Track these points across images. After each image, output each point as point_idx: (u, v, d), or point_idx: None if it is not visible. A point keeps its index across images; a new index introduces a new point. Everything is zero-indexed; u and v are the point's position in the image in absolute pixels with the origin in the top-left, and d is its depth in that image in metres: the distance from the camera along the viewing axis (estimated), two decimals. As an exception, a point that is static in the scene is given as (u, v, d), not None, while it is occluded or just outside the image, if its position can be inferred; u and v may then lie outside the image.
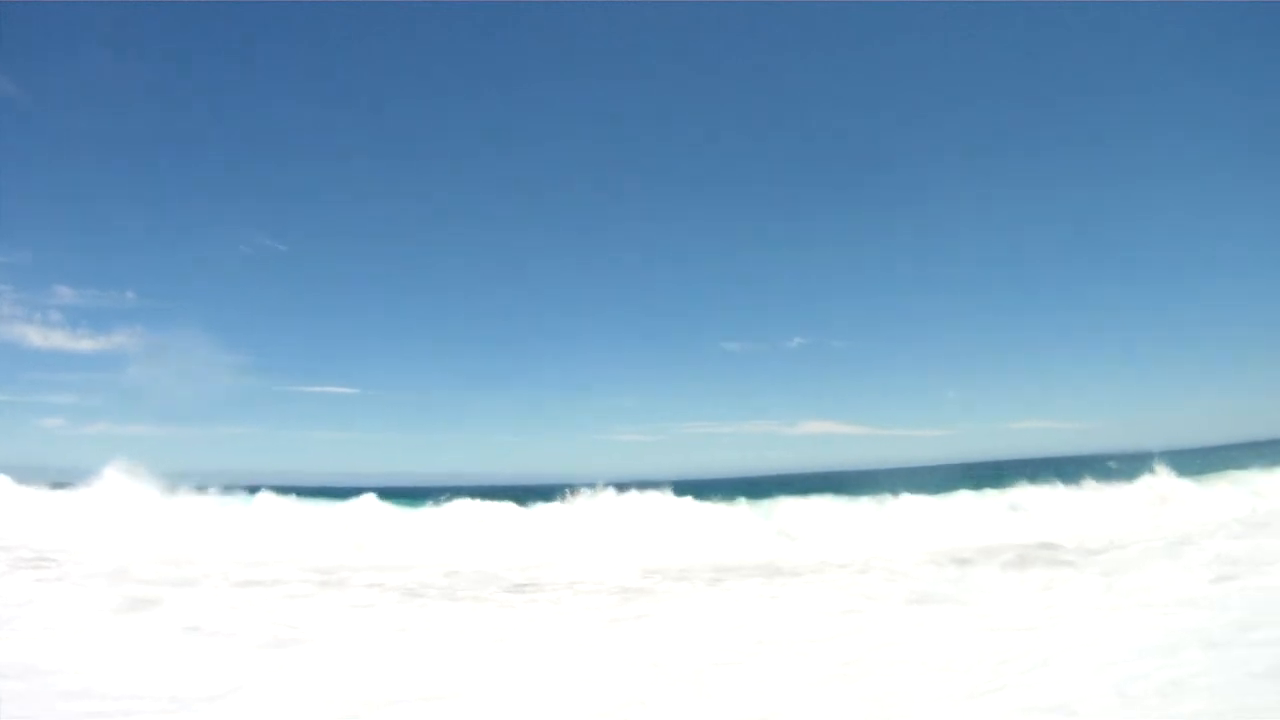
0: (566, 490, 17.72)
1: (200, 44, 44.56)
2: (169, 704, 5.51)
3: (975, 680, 5.64)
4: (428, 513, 17.62)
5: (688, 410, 49.75)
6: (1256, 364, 41.25)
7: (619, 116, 47.86)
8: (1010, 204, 46.57)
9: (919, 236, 47.42)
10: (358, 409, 46.46)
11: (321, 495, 18.05)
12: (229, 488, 19.33)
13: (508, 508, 17.56)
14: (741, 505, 16.98)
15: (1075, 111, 46.20)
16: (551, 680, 6.24)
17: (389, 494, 18.25)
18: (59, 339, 39.79)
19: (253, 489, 18.65)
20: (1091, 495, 17.71)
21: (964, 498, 16.84)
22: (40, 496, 20.59)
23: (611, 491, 17.60)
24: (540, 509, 17.45)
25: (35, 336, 39.92)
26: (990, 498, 17.04)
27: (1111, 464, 19.61)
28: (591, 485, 17.65)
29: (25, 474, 21.29)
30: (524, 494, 17.88)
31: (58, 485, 20.89)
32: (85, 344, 40.25)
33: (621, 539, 15.81)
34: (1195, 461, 19.54)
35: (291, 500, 18.14)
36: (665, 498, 17.12)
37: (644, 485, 17.55)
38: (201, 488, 19.63)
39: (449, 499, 18.04)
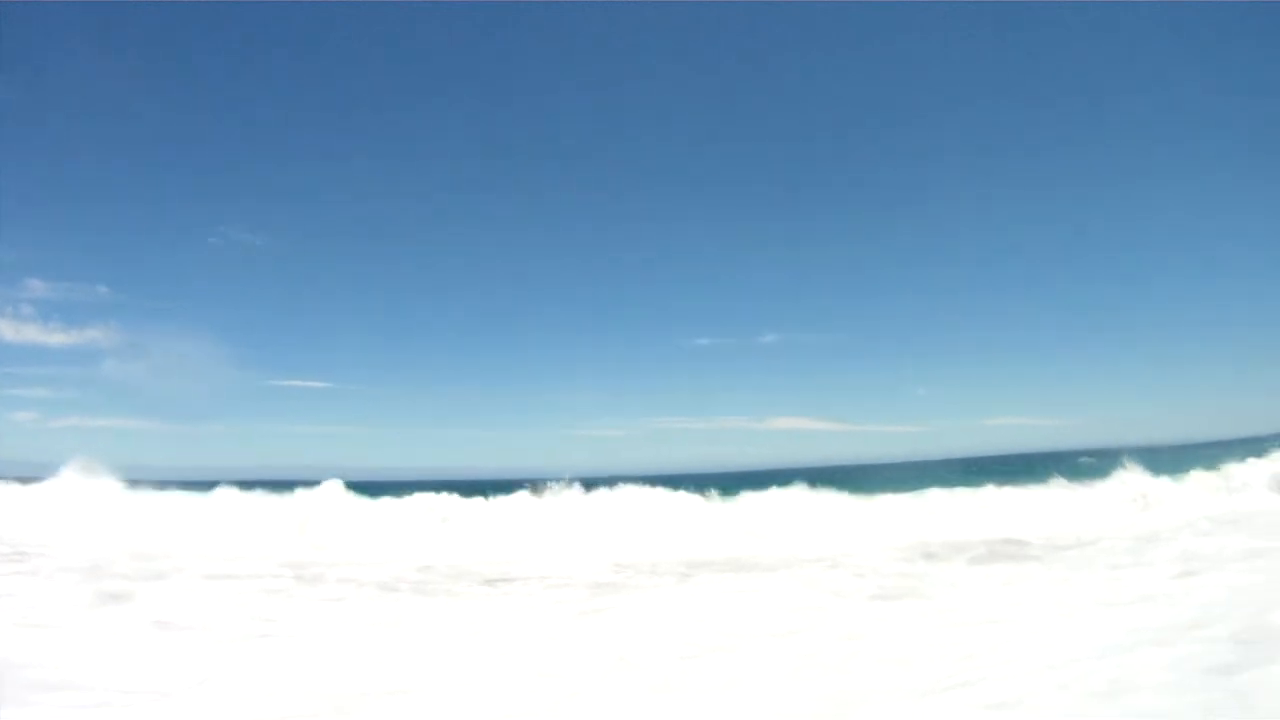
0: (538, 484, 17.67)
1: (173, 37, 43.98)
2: (146, 696, 5.54)
3: (932, 676, 5.63)
4: (400, 506, 17.50)
5: (659, 405, 49.92)
6: (1235, 361, 41.78)
7: (589, 114, 47.61)
8: (986, 202, 46.93)
9: (892, 233, 47.77)
10: (331, 403, 46.08)
11: (290, 488, 17.86)
12: (197, 482, 19.18)
13: (479, 502, 17.49)
14: (713, 500, 16.99)
15: (1064, 111, 46.27)
16: (517, 673, 6.26)
17: (362, 488, 18.11)
18: (31, 333, 39.27)
19: (213, 483, 18.48)
20: (1063, 492, 17.83)
21: (936, 494, 16.89)
22: (12, 491, 20.41)
23: (582, 486, 17.60)
24: (512, 503, 17.38)
25: (7, 330, 39.40)
26: (962, 494, 17.09)
27: (1084, 460, 19.84)
28: (563, 480, 17.63)
29: (-3, 467, 21.03)
30: (495, 488, 17.76)
31: (29, 480, 20.70)
32: (57, 338, 39.76)
33: (593, 533, 15.81)
34: (1170, 458, 19.68)
35: (257, 494, 17.97)
36: (637, 492, 17.08)
37: (616, 480, 17.54)
38: (168, 482, 19.53)
39: (421, 493, 17.96)
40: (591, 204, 49.59)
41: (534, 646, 7.31)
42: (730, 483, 17.58)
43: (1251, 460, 19.42)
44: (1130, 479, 18.07)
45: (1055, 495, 17.49)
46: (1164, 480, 18.66)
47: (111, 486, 19.25)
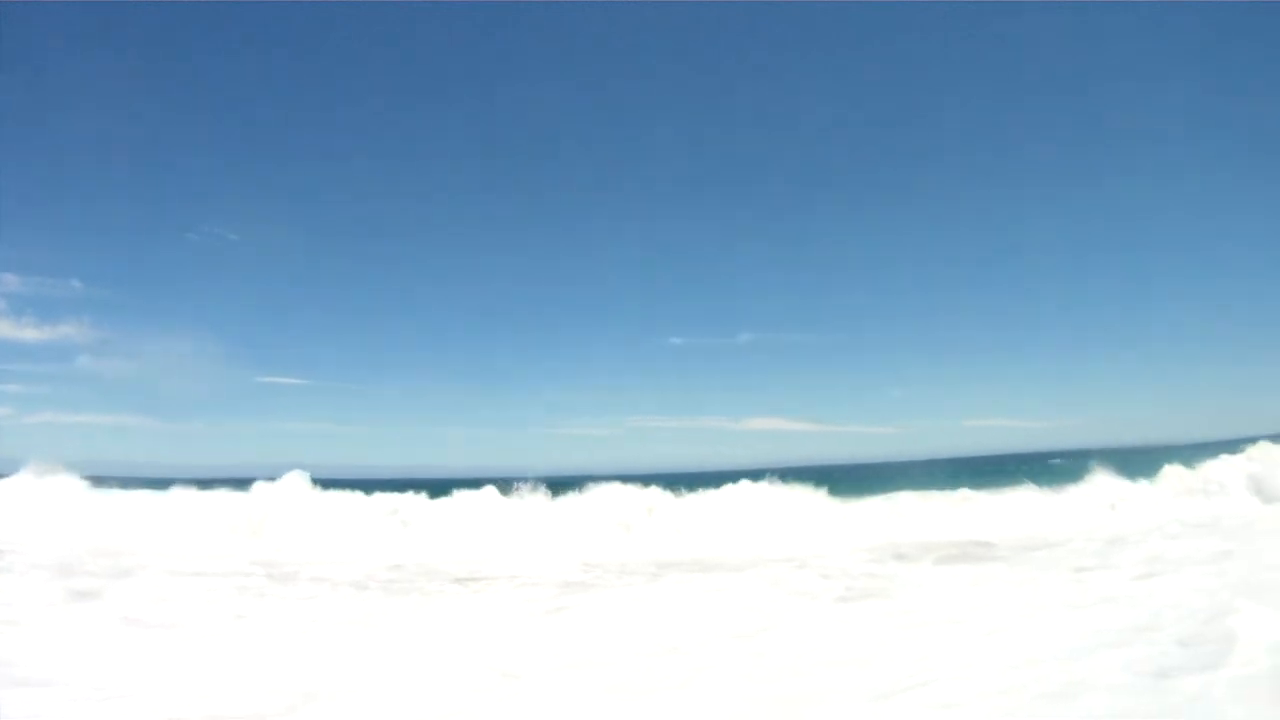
0: (508, 484, 17.58)
1: (153, 34, 43.42)
2: (119, 692, 5.59)
3: (886, 678, 5.61)
4: (369, 504, 17.36)
5: (636, 405, 49.81)
6: (1214, 363, 42.01)
7: (568, 114, 47.45)
8: (965, 205, 46.90)
9: (871, 235, 47.65)
10: (309, 400, 45.70)
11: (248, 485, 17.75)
12: (172, 479, 18.99)
13: (451, 500, 17.36)
14: (686, 500, 16.91)
15: (1047, 111, 46.49)
16: (479, 671, 6.29)
17: (336, 484, 17.96)
18: (4, 328, 38.61)
19: (191, 480, 18.34)
20: (1035, 494, 17.88)
21: (909, 495, 16.88)
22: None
23: (554, 486, 17.53)
24: (484, 501, 17.25)
25: (-20, 325, 38.76)
26: (935, 496, 17.08)
27: (1056, 462, 19.89)
28: (538, 479, 17.57)
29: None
30: (469, 486, 17.62)
31: (1, 476, 20.43)
32: (31, 333, 39.14)
33: (564, 532, 15.76)
34: (1148, 460, 19.69)
35: (219, 492, 17.82)
36: (610, 491, 17.01)
37: (591, 479, 17.46)
38: (137, 480, 19.39)
39: (395, 491, 17.84)
40: (570, 203, 49.50)
41: (498, 645, 7.34)
42: (706, 483, 17.51)
43: (1228, 460, 19.28)
44: (1102, 481, 18.13)
45: (1027, 497, 17.52)
46: (1139, 483, 18.70)
47: (73, 485, 19.04)
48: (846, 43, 45.82)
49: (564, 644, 7.44)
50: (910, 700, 5.11)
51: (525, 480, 17.41)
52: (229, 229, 42.53)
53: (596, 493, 17.10)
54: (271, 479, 17.64)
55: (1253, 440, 20.12)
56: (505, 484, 17.50)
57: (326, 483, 17.93)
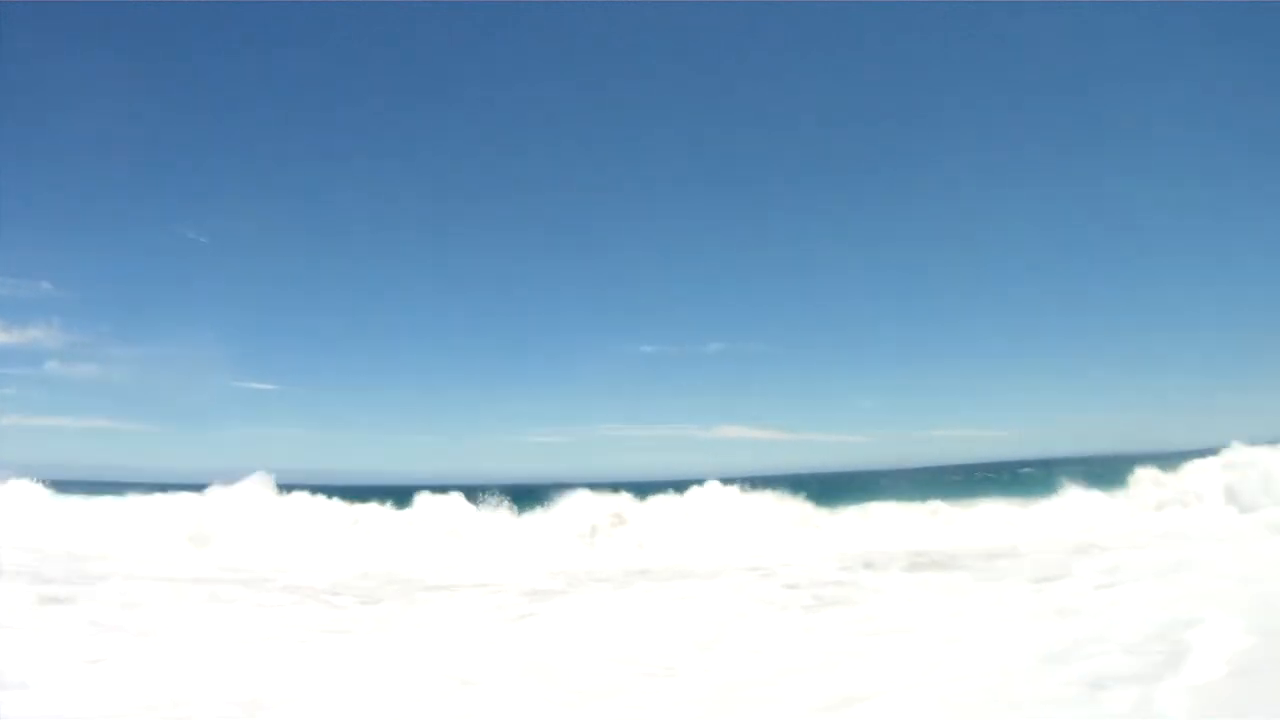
0: (481, 491, 17.47)
1: (126, 32, 42.90)
2: (95, 697, 5.62)
3: (828, 689, 5.59)
4: (336, 510, 17.21)
5: (601, 413, 49.26)
6: (1191, 371, 42.16)
7: (534, 117, 47.11)
8: (934, 213, 46.86)
9: (839, 244, 47.58)
10: (277, 405, 45.20)
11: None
12: (132, 485, 18.80)
13: (421, 507, 17.24)
14: (656, 507, 16.85)
15: (1032, 112, 46.63)
16: (438, 679, 6.27)
17: (302, 489, 17.77)
18: (-28, 330, 38.04)
19: (149, 486, 18.13)
20: (1004, 503, 17.95)
21: (878, 504, 16.92)
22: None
23: (525, 492, 17.47)
24: (454, 509, 17.15)
25: (-54, 327, 38.14)
26: (903, 505, 17.11)
27: (1026, 471, 19.94)
28: (506, 486, 17.51)
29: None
30: (437, 493, 17.52)
31: None
32: (-1, 335, 38.55)
33: (534, 541, 15.70)
34: (1117, 470, 19.73)
35: (185, 495, 17.63)
36: (580, 498, 16.95)
37: (560, 486, 17.39)
38: (101, 485, 19.18)
39: (360, 496, 17.75)
40: (535, 208, 49.33)
41: (458, 652, 7.33)
42: (676, 490, 17.46)
43: (1203, 465, 19.14)
44: (1071, 490, 18.18)
45: (995, 507, 17.57)
46: (1112, 492, 18.73)
47: (34, 490, 18.78)
48: (821, 55, 45.88)
49: (524, 651, 7.44)
50: (857, 712, 5.09)
51: (494, 487, 17.36)
52: (200, 232, 42.09)
53: (566, 500, 17.01)
54: (228, 484, 17.46)
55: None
56: (473, 491, 17.42)
57: (292, 487, 17.76)
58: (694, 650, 7.12)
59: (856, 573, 11.33)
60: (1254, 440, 19.17)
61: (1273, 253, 38.81)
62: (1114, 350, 44.69)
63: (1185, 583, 9.13)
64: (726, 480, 17.17)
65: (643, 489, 17.33)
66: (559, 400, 47.24)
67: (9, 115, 38.61)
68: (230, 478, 17.62)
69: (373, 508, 17.24)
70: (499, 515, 16.97)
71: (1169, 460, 19.73)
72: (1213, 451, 19.62)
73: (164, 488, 18.44)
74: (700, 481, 17.14)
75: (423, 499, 17.38)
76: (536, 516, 16.90)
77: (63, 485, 19.37)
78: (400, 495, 17.54)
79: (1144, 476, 19.15)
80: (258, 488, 17.27)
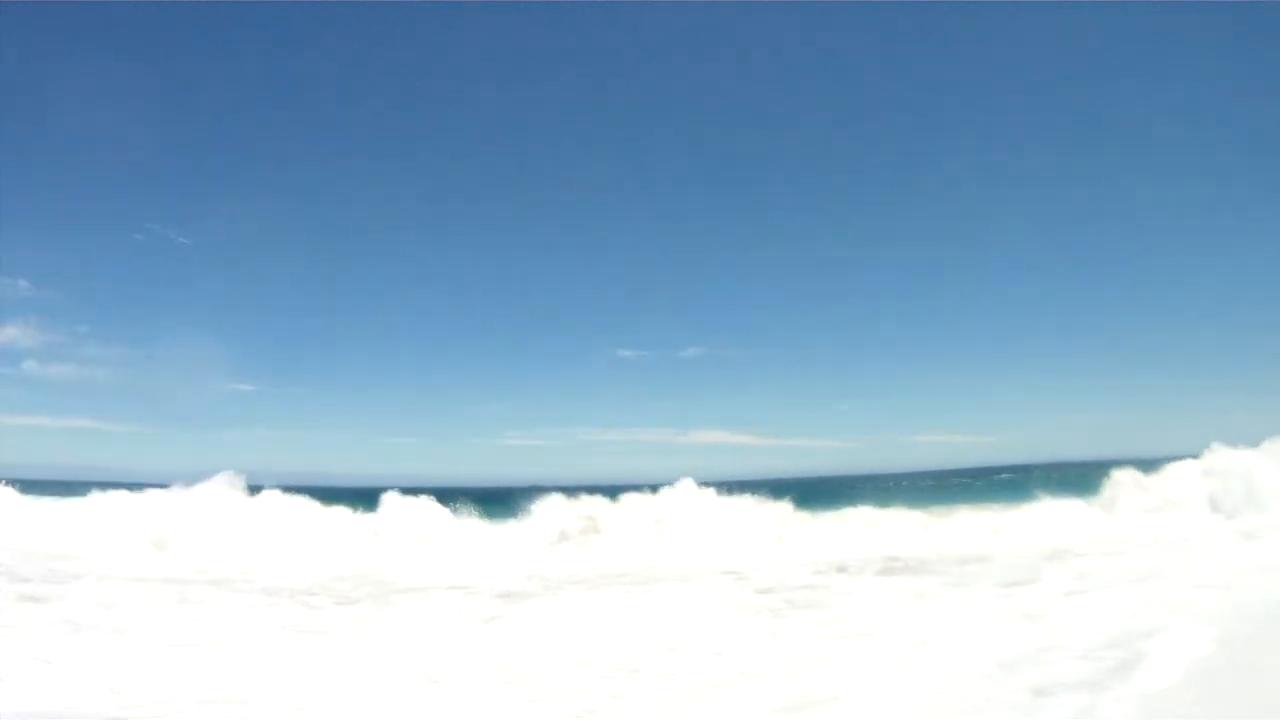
0: (455, 493, 17.42)
1: (105, 29, 42.57)
2: (77, 690, 5.77)
3: (801, 691, 5.63)
4: (308, 511, 17.10)
5: (578, 416, 49.07)
6: (1176, 376, 42.40)
7: (515, 119, 46.87)
8: (913, 217, 46.75)
9: (818, 248, 47.47)
10: (253, 404, 44.89)
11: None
12: (108, 484, 18.62)
13: (394, 509, 17.14)
14: (631, 510, 16.80)
15: (1017, 113, 46.70)
16: (406, 679, 6.36)
17: (274, 489, 17.68)
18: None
19: (108, 485, 17.99)
20: (981, 508, 17.96)
21: (856, 509, 16.87)
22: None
23: (501, 495, 17.43)
24: (430, 511, 17.08)
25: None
26: (882, 510, 17.06)
27: (1005, 476, 19.92)
28: (482, 489, 17.45)
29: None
30: (410, 495, 17.43)
31: None
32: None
33: (509, 543, 15.65)
34: (1095, 475, 19.68)
35: (151, 494, 17.50)
36: (555, 502, 16.89)
37: (535, 489, 17.32)
38: (77, 485, 19.01)
39: (332, 497, 17.65)
40: (513, 211, 48.98)
41: (427, 652, 7.41)
42: (652, 494, 17.40)
43: (1183, 469, 18.90)
44: (1048, 496, 18.11)
45: (972, 512, 17.55)
46: (1089, 498, 18.67)
47: (2, 492, 18.61)
48: (821, 55, 45.92)
49: (492, 651, 7.51)
50: (814, 714, 5.11)
51: (469, 490, 17.33)
52: (180, 232, 41.77)
53: (541, 503, 16.95)
54: (190, 484, 17.35)
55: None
56: (449, 494, 17.38)
57: (267, 488, 17.65)
58: (659, 652, 7.15)
59: (829, 577, 11.35)
60: (1234, 442, 18.99)
61: (1267, 253, 38.86)
62: (1097, 356, 44.86)
63: (1155, 590, 9.14)
64: (703, 484, 17.12)
65: (618, 493, 17.26)
66: (536, 404, 47.30)
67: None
68: (205, 478, 17.52)
69: (344, 511, 17.13)
70: (475, 518, 16.92)
71: (1149, 464, 19.55)
72: (1193, 455, 19.37)
73: (140, 487, 18.29)
74: (673, 483, 17.07)
75: (393, 501, 17.27)
76: (511, 520, 16.82)
77: (33, 485, 19.20)
78: (375, 497, 17.41)
79: (1123, 479, 18.86)
80: (223, 488, 17.15)
